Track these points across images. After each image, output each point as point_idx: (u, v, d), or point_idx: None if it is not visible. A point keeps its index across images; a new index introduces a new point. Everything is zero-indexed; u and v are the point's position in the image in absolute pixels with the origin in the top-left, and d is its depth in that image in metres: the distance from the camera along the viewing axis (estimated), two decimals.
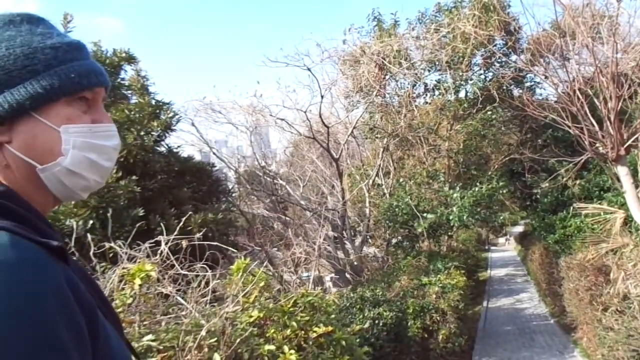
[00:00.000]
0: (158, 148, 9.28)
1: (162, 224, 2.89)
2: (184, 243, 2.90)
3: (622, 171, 8.15)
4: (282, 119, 9.64)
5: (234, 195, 14.01)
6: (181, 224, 2.92)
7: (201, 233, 2.99)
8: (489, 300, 14.80)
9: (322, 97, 8.54)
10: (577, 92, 8.00)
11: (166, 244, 2.63)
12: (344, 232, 10.96)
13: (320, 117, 8.89)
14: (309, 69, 8.48)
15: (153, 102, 8.83)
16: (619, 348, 6.66)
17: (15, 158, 0.80)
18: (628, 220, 8.11)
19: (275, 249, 11.32)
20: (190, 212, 6.47)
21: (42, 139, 0.81)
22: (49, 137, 0.81)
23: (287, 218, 11.71)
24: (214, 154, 12.16)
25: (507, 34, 9.97)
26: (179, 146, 9.76)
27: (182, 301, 2.81)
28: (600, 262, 7.91)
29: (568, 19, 8.59)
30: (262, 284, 2.85)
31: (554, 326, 11.32)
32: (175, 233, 2.72)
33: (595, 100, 8.17)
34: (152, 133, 9.02)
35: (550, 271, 11.94)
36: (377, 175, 11.92)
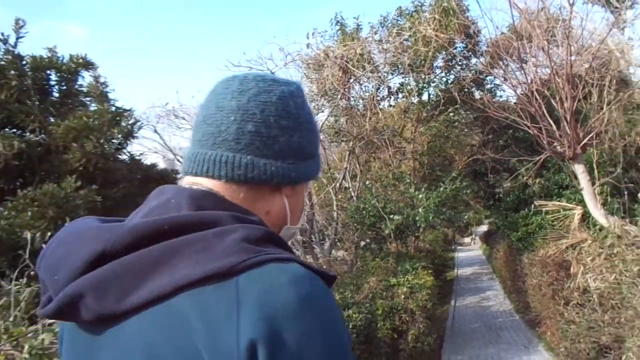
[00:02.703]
0: (119, 156, 9.07)
1: None
2: None
3: (579, 169, 8.43)
4: None
5: None
6: None
7: None
8: (457, 299, 15.06)
9: None
10: (535, 93, 8.23)
11: None
12: (312, 235, 10.94)
13: None
14: (272, 73, 8.41)
15: (113, 108, 8.62)
16: (581, 340, 6.88)
17: (282, 210, 0.90)
18: (586, 216, 8.39)
19: None
20: None
21: (299, 204, 0.94)
22: (301, 204, 0.96)
23: None
24: (178, 161, 11.94)
25: (467, 37, 10.21)
26: (141, 154, 9.56)
27: None
28: (561, 257, 8.15)
29: (524, 22, 8.86)
30: None
31: (519, 322, 11.60)
32: None
33: (552, 101, 8.42)
34: (113, 141, 8.82)
35: (514, 268, 12.25)
36: (344, 178, 11.96)
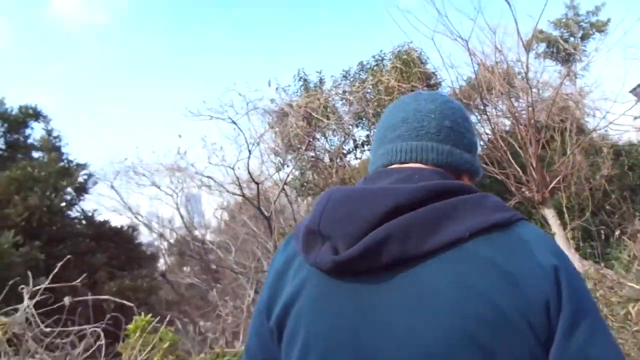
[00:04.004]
0: (70, 212, 8.49)
1: None
2: (67, 300, 2.34)
3: (549, 214, 8.33)
4: (209, 177, 9.15)
5: (163, 266, 13.09)
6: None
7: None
8: None
9: (249, 151, 8.21)
10: (500, 140, 8.24)
11: (31, 297, 2.07)
12: None
13: (249, 171, 8.51)
14: (233, 122, 8.16)
15: (64, 161, 8.13)
16: None
17: None
18: None
19: (203, 321, 10.38)
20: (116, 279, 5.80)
21: None
22: None
23: (218, 285, 10.93)
24: (137, 219, 11.33)
25: (428, 87, 10.31)
26: (95, 210, 8.98)
27: None
28: None
29: (483, 70, 9.00)
30: (166, 345, 2.31)
31: None
32: (48, 282, 2.17)
33: (517, 147, 8.44)
34: (65, 196, 8.25)
35: None
36: None
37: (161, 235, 12.32)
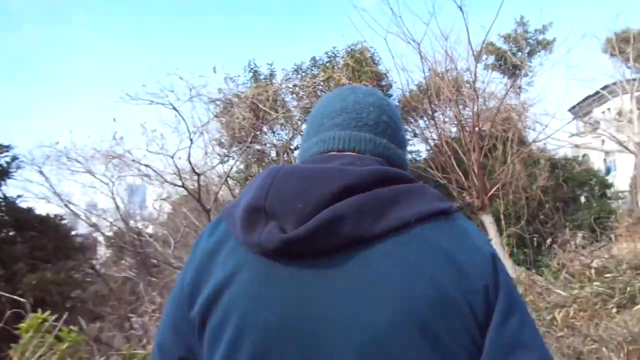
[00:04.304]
0: None
1: None
2: None
3: (487, 220, 8.49)
4: (147, 166, 8.68)
5: (98, 259, 12.40)
6: None
7: None
8: None
9: (191, 140, 7.85)
10: (445, 145, 8.34)
11: None
12: None
13: (189, 162, 8.15)
14: (174, 108, 7.76)
15: None
16: None
17: None
18: None
19: (135, 317, 9.94)
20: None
21: None
22: None
23: (152, 279, 10.48)
24: (68, 207, 10.62)
25: (380, 87, 10.34)
26: (19, 196, 8.34)
27: None
28: None
29: (433, 76, 9.09)
30: (64, 346, 2.06)
31: None
32: None
33: (461, 153, 8.57)
34: None
35: None
36: None
37: (94, 226, 11.66)
